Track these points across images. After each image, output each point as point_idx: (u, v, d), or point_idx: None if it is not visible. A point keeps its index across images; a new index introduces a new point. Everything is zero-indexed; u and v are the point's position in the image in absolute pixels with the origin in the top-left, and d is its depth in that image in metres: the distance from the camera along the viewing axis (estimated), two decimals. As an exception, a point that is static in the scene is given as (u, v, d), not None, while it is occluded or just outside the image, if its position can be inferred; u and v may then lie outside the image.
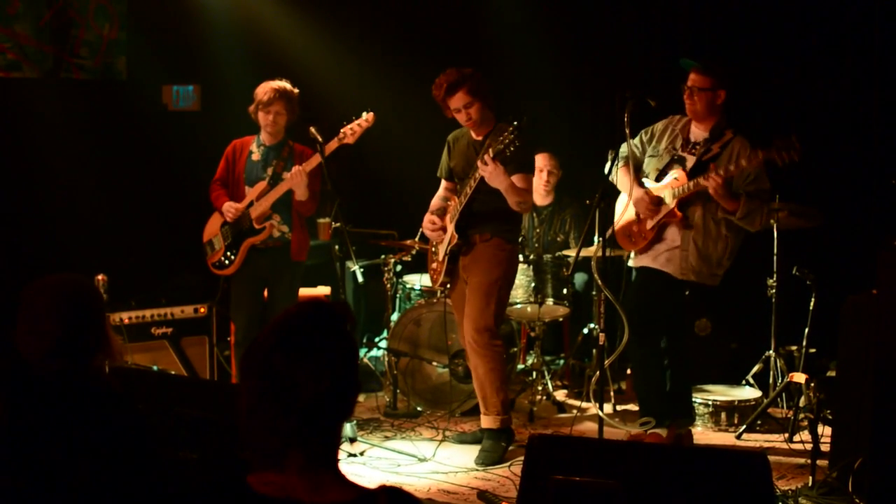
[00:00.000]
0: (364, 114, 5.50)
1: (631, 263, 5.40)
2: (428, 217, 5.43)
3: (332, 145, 5.47)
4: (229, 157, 5.71)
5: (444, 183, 5.49)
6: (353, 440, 5.21)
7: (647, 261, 5.22)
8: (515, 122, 4.83)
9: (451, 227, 5.23)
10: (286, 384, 1.86)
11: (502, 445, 5.14)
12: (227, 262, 5.63)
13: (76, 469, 2.50)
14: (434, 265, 5.45)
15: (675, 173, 5.09)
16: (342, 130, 5.48)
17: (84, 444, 2.52)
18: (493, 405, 5.15)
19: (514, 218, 5.24)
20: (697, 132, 5.16)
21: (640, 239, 5.22)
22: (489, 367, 5.11)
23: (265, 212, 5.55)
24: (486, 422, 5.18)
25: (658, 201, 5.12)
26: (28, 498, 2.47)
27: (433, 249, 5.49)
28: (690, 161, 5.09)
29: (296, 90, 5.61)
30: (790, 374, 5.50)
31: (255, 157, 5.64)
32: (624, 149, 5.19)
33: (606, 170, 5.11)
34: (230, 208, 5.60)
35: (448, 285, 5.40)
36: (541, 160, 6.42)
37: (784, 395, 5.76)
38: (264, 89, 5.53)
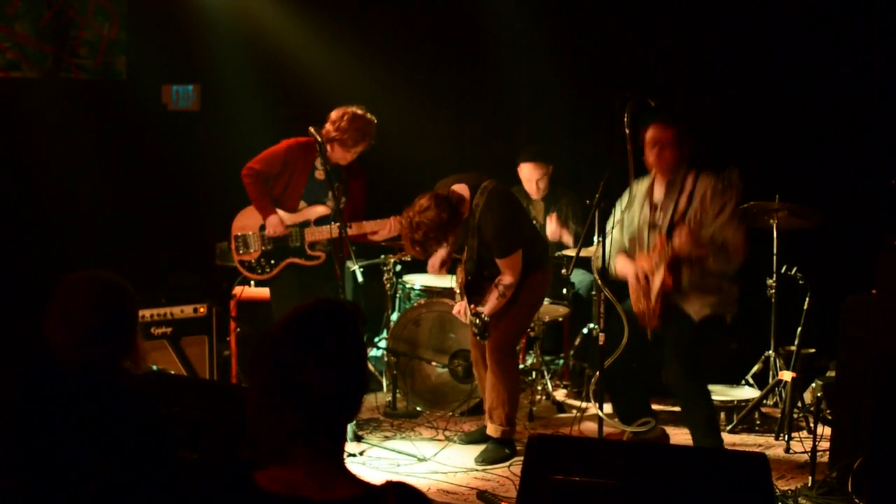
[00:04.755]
0: None
1: None
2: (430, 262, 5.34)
3: None
4: (290, 161, 5.42)
5: None
6: (359, 439, 5.21)
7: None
8: (479, 315, 4.89)
9: (464, 301, 5.16)
10: (296, 379, 1.86)
11: (506, 452, 5.17)
12: (259, 270, 5.48)
13: (94, 464, 2.51)
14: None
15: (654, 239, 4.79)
16: None
17: (104, 439, 2.53)
18: (498, 416, 5.18)
19: (532, 248, 5.13)
20: (659, 191, 4.85)
21: (653, 318, 4.79)
22: (500, 381, 5.14)
23: (322, 241, 5.42)
24: (491, 429, 5.23)
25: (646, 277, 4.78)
26: (44, 491, 2.48)
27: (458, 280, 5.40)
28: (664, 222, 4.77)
29: (373, 119, 5.36)
30: (780, 373, 5.52)
31: (320, 174, 5.42)
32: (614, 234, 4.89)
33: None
34: (277, 227, 5.38)
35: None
36: (528, 170, 6.41)
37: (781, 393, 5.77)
38: (345, 127, 5.28)
